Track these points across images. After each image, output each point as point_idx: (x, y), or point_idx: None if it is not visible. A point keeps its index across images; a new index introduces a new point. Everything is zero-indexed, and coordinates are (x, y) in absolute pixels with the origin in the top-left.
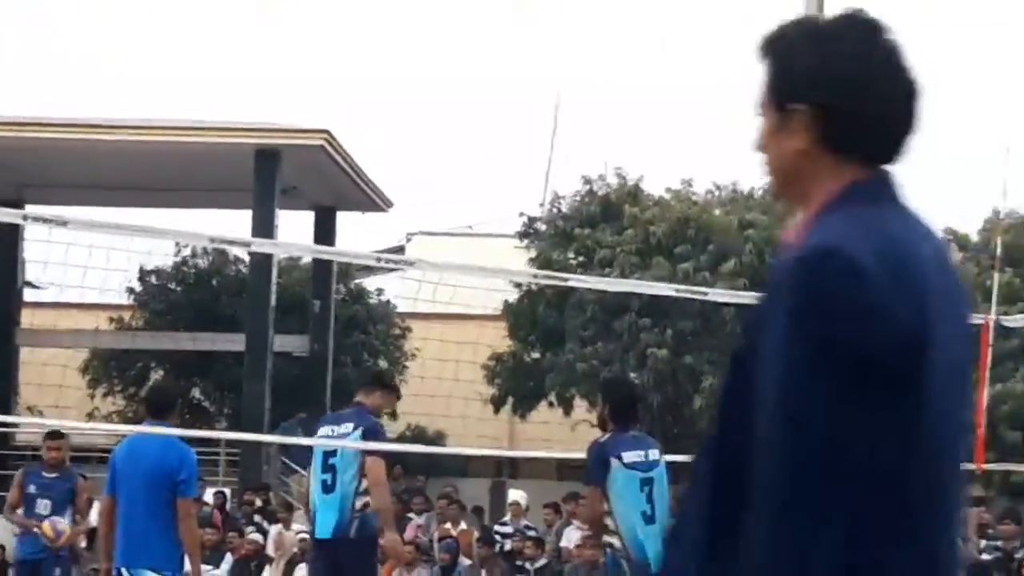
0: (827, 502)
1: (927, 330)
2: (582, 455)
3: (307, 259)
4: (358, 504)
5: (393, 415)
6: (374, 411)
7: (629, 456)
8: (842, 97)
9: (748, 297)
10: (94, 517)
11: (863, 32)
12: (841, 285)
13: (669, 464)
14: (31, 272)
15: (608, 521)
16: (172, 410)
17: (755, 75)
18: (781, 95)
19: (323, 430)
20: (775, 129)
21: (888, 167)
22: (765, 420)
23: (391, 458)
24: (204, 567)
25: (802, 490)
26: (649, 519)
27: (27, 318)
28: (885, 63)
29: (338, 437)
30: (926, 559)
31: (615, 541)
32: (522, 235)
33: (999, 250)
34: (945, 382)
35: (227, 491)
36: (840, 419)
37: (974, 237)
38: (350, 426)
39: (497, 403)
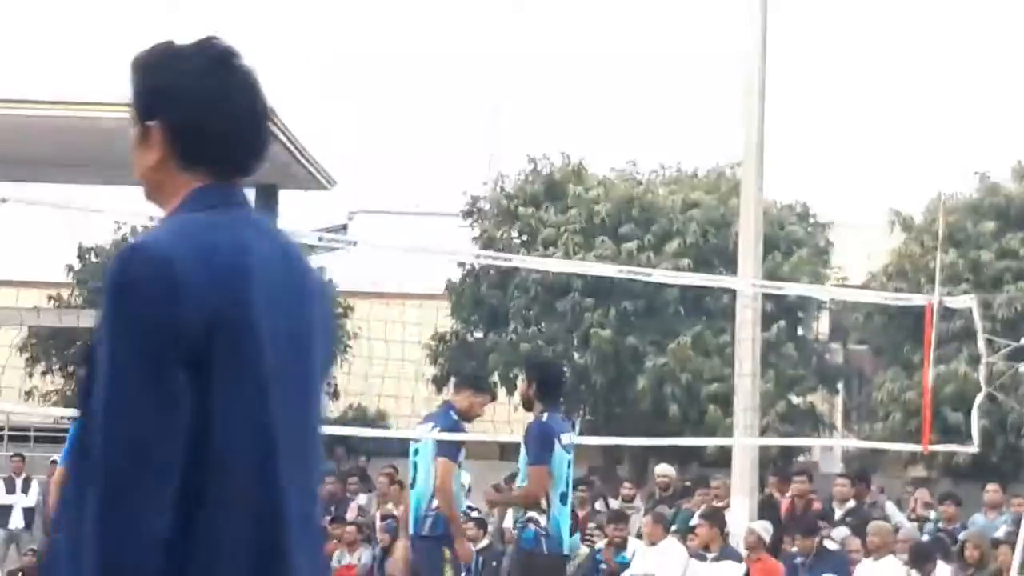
0: (142, 470)
1: (241, 318)
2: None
3: None
4: (434, 503)
5: (335, 395)
6: (463, 411)
7: (565, 438)
8: (187, 115)
9: (692, 277)
10: (33, 498)
11: (212, 57)
12: (146, 273)
13: (612, 445)
14: None
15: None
16: None
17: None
18: (140, 111)
19: (418, 428)
20: (138, 142)
21: (235, 178)
22: (95, 397)
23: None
24: None
25: (120, 461)
26: (565, 499)
27: None
28: (230, 86)
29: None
30: (244, 525)
31: (541, 519)
32: (466, 214)
33: (942, 231)
34: (279, 369)
35: None
36: (147, 393)
37: (918, 218)
38: (429, 425)
39: (439, 383)
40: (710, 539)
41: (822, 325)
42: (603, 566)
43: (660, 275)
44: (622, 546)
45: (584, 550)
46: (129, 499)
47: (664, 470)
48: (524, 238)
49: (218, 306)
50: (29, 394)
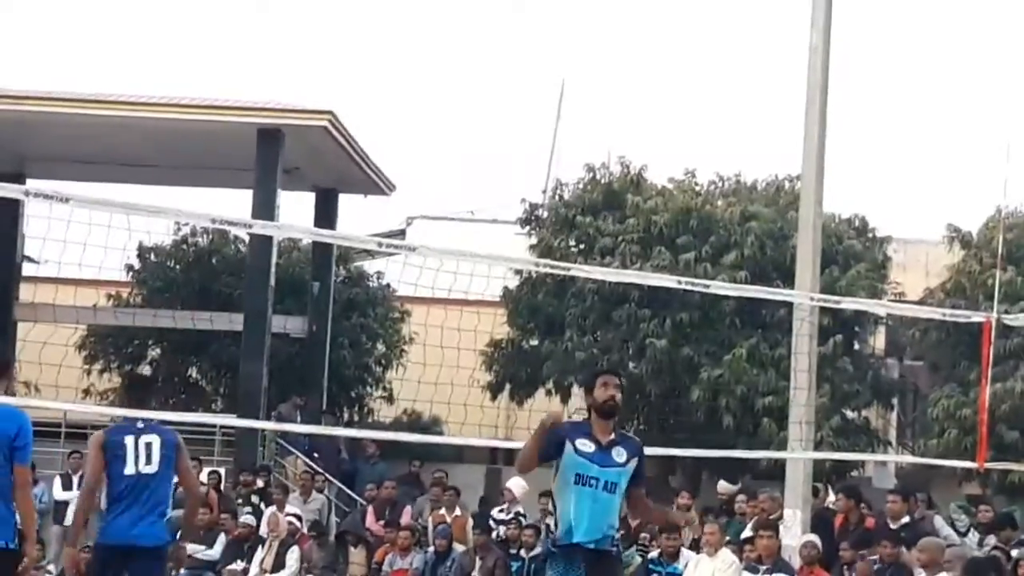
0: None
1: None
2: None
3: (307, 241)
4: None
5: (390, 399)
6: None
7: None
8: None
9: (749, 290)
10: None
11: None
12: None
13: (665, 456)
14: (30, 247)
15: None
16: (6, 372)
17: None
18: None
19: None
20: None
21: None
22: None
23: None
24: (197, 547)
25: None
26: None
27: (26, 293)
28: None
29: None
30: None
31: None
32: (523, 222)
33: (1001, 248)
34: None
35: (222, 471)
36: None
37: (977, 235)
38: None
39: (494, 390)
40: (770, 550)
41: (878, 340)
42: (654, 575)
43: (718, 287)
44: (674, 556)
45: (636, 559)
46: None
47: (725, 488)
48: (581, 247)
49: None
50: (87, 392)
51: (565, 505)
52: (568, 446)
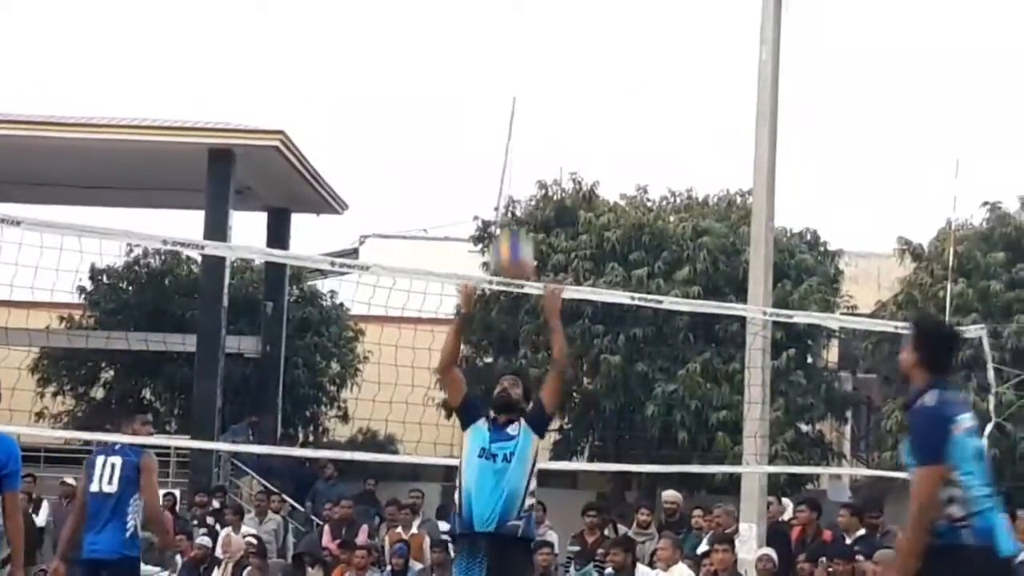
0: None
1: None
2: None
3: (260, 261)
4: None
5: (345, 418)
6: None
7: (965, 419)
8: None
9: (702, 305)
10: (43, 518)
11: None
12: None
13: (621, 472)
14: None
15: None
16: None
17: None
18: None
19: None
20: None
21: None
22: None
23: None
24: (152, 569)
25: None
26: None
27: None
28: None
29: None
30: None
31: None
32: (476, 239)
33: (952, 261)
34: None
35: (177, 493)
36: None
37: (927, 247)
38: None
39: (449, 408)
40: (726, 564)
41: (831, 353)
42: None
43: (671, 302)
44: (630, 572)
45: (593, 575)
46: None
47: (671, 496)
48: (534, 263)
49: None
50: (40, 415)
51: (467, 480)
52: (480, 420)
